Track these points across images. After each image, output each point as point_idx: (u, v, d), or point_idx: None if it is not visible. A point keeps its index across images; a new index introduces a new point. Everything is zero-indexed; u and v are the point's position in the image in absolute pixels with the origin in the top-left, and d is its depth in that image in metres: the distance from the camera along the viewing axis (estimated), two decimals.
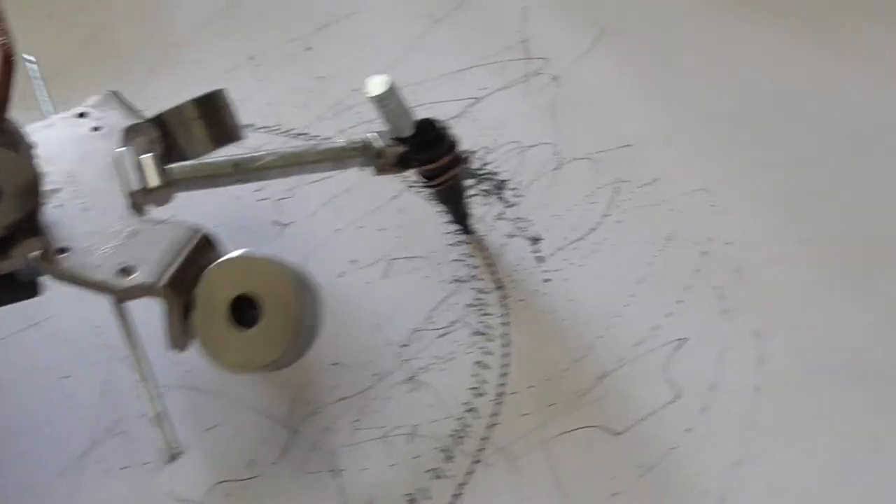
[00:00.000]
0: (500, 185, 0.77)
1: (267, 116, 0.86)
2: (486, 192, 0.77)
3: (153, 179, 0.60)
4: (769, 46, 0.88)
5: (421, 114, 0.68)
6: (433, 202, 0.76)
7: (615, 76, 0.86)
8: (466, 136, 0.78)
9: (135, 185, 0.60)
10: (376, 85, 0.63)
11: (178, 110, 0.67)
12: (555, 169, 0.78)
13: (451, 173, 0.69)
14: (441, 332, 0.69)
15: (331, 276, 0.73)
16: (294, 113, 0.86)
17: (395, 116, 0.64)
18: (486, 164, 0.79)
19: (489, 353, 0.67)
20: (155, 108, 0.67)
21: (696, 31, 0.90)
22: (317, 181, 0.79)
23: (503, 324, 0.69)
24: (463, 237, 0.74)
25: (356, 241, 0.75)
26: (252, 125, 0.85)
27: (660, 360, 0.66)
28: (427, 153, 0.67)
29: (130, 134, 0.64)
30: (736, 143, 0.79)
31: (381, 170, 0.66)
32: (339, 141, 0.66)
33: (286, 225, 0.76)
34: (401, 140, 0.66)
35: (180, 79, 0.90)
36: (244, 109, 0.82)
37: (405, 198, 0.77)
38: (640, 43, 0.89)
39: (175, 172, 0.61)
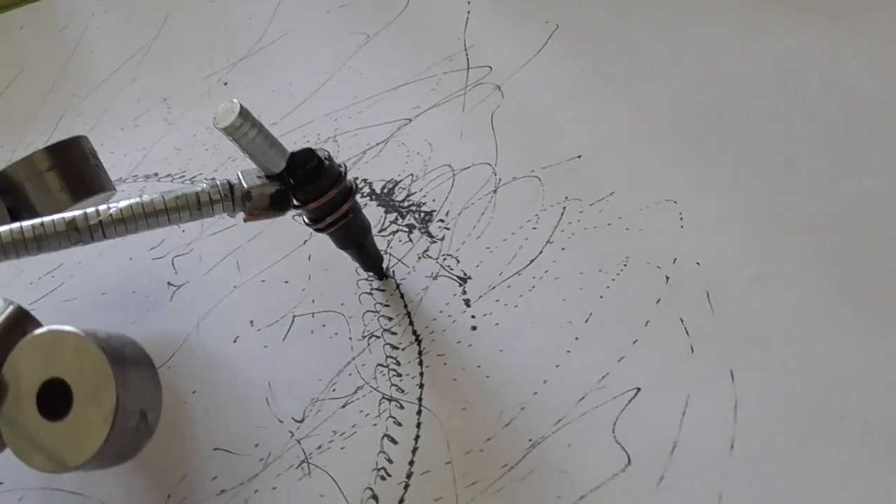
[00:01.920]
0: (426, 218, 0.64)
1: (172, 163, 0.74)
2: (410, 228, 0.63)
3: None
4: (744, 25, 0.73)
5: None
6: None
7: (567, 79, 0.72)
8: (391, 165, 0.66)
9: None
10: (224, 114, 0.50)
11: (27, 162, 0.59)
12: (492, 192, 0.64)
13: (340, 211, 0.56)
14: (344, 401, 0.56)
15: (224, 342, 0.61)
16: (204, 156, 0.74)
17: (256, 150, 0.52)
18: (410, 195, 0.66)
19: (399, 424, 0.54)
20: None
21: (658, 17, 0.75)
22: (219, 231, 0.67)
23: (418, 386, 0.55)
24: (379, 283, 0.61)
25: (256, 297, 0.63)
26: (155, 175, 0.73)
27: (608, 417, 0.52)
28: (306, 190, 0.54)
29: None
30: (708, 141, 0.65)
31: (252, 214, 0.54)
32: (199, 184, 0.53)
33: (179, 286, 0.64)
34: (273, 177, 0.53)
35: (84, 130, 0.79)
36: (151, 157, 0.71)
37: (316, 241, 0.64)
38: (596, 37, 0.75)
39: None
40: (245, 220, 0.54)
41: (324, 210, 0.56)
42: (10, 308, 0.48)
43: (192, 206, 0.52)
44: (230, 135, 0.51)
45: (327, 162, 0.54)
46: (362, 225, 0.59)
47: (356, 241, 0.59)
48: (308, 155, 0.54)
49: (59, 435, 0.45)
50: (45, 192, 0.59)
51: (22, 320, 0.48)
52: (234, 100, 0.51)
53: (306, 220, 0.57)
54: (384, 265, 0.62)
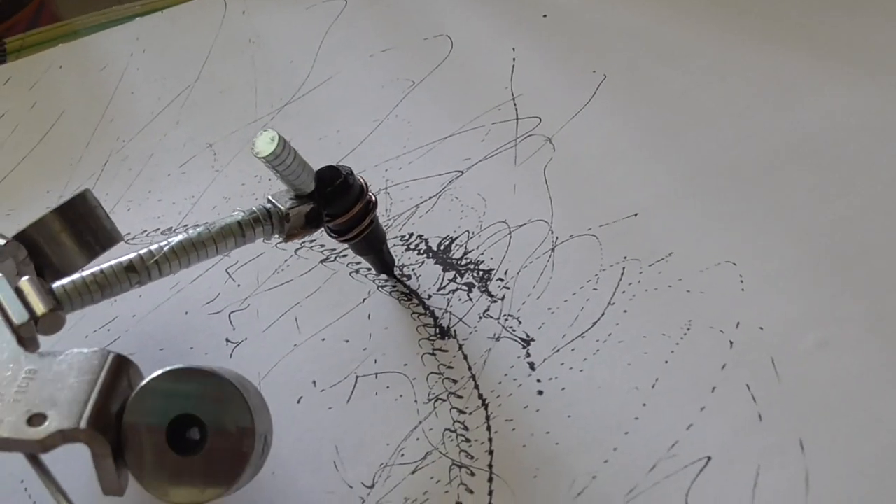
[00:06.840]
0: (485, 277, 0.64)
1: (222, 213, 0.74)
2: (469, 287, 0.64)
3: (39, 306, 0.50)
4: (804, 78, 0.73)
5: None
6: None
7: (619, 131, 0.73)
8: (445, 220, 0.67)
9: (20, 318, 0.50)
10: (265, 143, 0.53)
11: (40, 224, 0.59)
12: (549, 251, 0.65)
13: (366, 221, 0.60)
14: (413, 466, 0.56)
15: (287, 403, 0.61)
16: (253, 205, 0.74)
17: (292, 174, 0.55)
18: (467, 253, 0.66)
19: (471, 492, 0.55)
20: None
21: (713, 69, 0.76)
22: (275, 286, 0.67)
23: (487, 452, 0.56)
24: (441, 344, 0.61)
25: (317, 356, 0.63)
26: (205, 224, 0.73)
27: (681, 487, 0.53)
28: (336, 205, 0.59)
29: None
30: (767, 199, 0.65)
31: (291, 235, 0.58)
32: (238, 213, 0.57)
33: (238, 343, 0.64)
34: (303, 197, 0.58)
35: (131, 176, 0.79)
36: (200, 205, 0.71)
37: (375, 300, 0.65)
38: (644, 88, 0.76)
39: (63, 291, 0.52)
40: (286, 241, 0.58)
41: (351, 222, 0.60)
42: (111, 357, 0.49)
43: (237, 234, 0.56)
44: (270, 163, 0.54)
45: (351, 177, 0.58)
46: (381, 233, 0.63)
47: (376, 246, 0.63)
48: (333, 172, 0.58)
49: (197, 467, 0.46)
50: (63, 250, 0.60)
51: (124, 366, 0.49)
52: (270, 128, 0.54)
53: (330, 233, 0.61)
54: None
